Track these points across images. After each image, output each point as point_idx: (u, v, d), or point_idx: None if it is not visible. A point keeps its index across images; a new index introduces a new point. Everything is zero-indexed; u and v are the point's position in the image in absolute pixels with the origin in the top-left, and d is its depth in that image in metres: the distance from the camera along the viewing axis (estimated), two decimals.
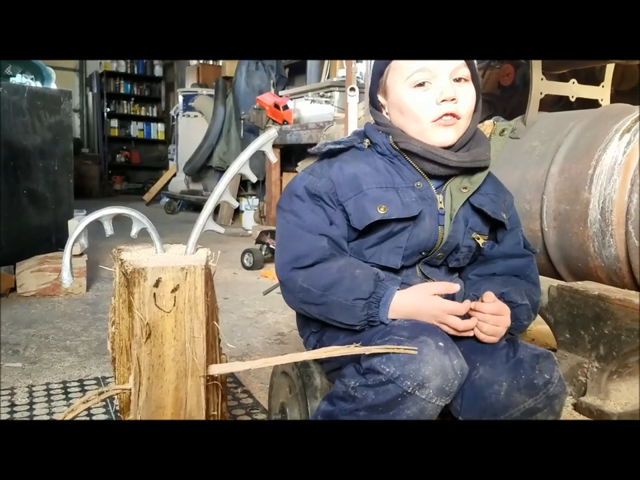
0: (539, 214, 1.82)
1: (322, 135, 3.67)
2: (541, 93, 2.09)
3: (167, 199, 6.88)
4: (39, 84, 3.00)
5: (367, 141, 1.06)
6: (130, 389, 0.78)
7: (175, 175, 7.07)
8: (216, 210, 0.87)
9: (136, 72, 9.49)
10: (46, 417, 1.39)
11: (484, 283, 1.03)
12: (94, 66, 9.29)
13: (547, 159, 1.84)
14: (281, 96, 4.66)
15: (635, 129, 1.65)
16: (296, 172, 3.99)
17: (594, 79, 2.39)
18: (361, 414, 0.87)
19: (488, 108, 2.84)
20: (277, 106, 4.39)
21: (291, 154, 4.64)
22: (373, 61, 1.11)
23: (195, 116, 6.71)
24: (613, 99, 2.33)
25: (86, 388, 1.58)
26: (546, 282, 1.56)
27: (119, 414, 1.10)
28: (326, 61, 5.07)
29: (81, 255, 2.68)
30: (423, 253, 1.02)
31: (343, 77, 3.85)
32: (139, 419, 0.78)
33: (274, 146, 1.07)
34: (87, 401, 0.79)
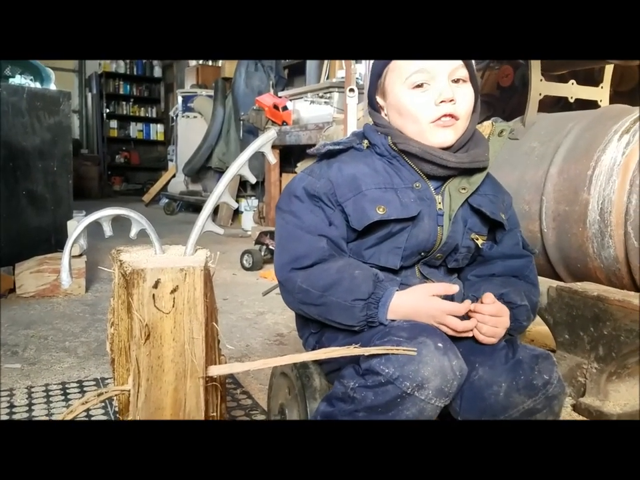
0: (538, 215, 1.82)
1: (321, 135, 3.66)
2: (540, 94, 2.09)
3: (166, 200, 6.88)
4: (38, 85, 3.01)
5: (365, 141, 1.06)
6: (129, 390, 0.78)
7: (174, 176, 7.06)
8: (215, 211, 0.87)
9: (135, 73, 9.50)
10: (45, 418, 1.39)
11: (483, 284, 1.03)
12: (93, 67, 9.29)
13: (546, 160, 1.84)
14: (280, 97, 4.66)
15: (634, 129, 1.65)
16: (295, 173, 3.99)
17: (593, 80, 2.40)
18: (360, 415, 0.87)
19: (487, 109, 2.84)
20: (276, 107, 4.39)
21: (290, 155, 4.64)
22: (371, 62, 1.11)
23: (195, 117, 6.71)
24: (612, 100, 2.33)
25: (85, 389, 1.57)
26: (545, 283, 1.56)
27: (118, 415, 1.10)
28: (325, 62, 5.08)
29: (80, 255, 2.69)
30: (422, 254, 1.02)
31: (342, 77, 3.86)
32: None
33: (273, 147, 1.07)
34: (86, 402, 0.79)
